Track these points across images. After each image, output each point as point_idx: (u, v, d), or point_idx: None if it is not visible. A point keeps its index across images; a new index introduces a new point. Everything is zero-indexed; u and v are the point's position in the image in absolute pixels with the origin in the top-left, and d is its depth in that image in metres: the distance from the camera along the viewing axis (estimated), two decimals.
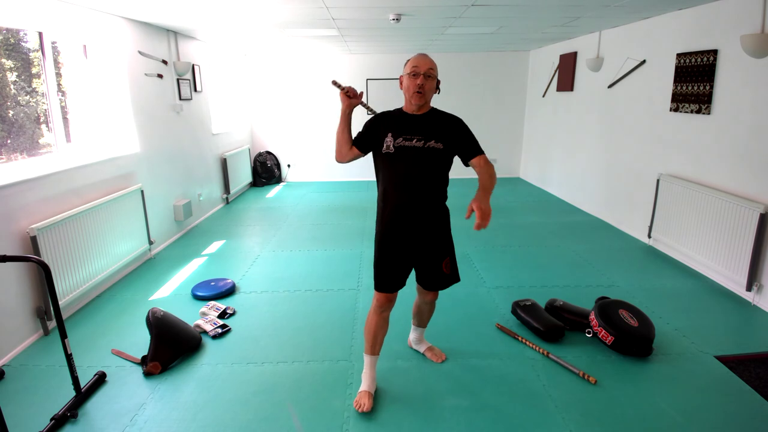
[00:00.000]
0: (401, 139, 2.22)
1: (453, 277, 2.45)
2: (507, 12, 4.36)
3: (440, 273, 2.39)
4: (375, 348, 2.42)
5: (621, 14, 4.47)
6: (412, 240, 2.31)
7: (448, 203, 2.39)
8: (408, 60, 2.24)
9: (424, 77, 2.17)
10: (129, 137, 4.36)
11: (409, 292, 2.69)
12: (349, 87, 2.30)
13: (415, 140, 2.21)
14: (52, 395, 2.49)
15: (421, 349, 2.84)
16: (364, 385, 2.43)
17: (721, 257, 3.69)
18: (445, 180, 2.31)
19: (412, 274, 2.45)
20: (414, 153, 2.20)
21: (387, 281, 2.33)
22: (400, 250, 2.32)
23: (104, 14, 4.00)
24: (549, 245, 4.80)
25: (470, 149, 2.24)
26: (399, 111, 2.32)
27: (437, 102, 2.44)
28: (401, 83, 2.26)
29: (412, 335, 2.87)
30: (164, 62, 4.99)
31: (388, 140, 2.24)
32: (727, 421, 2.27)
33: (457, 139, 2.24)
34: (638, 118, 4.88)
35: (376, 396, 2.45)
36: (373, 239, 2.59)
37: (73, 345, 2.87)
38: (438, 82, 2.25)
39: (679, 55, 4.18)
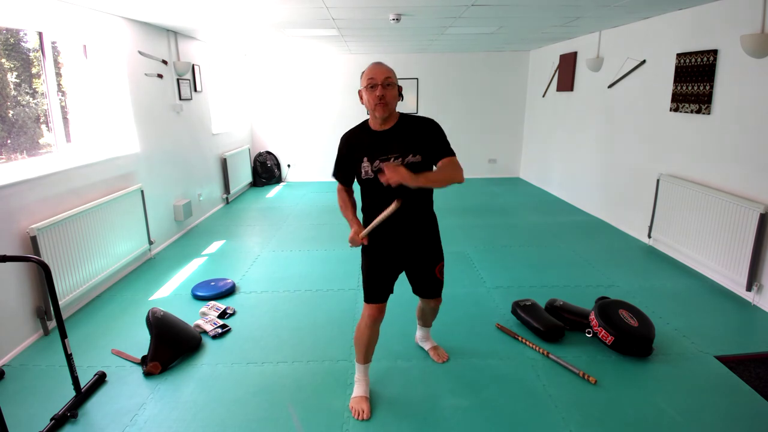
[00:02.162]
0: (378, 161, 2.08)
1: (442, 283, 2.44)
2: (507, 12, 4.36)
3: (434, 279, 2.38)
4: (368, 357, 2.40)
5: (621, 14, 4.47)
6: (402, 251, 2.28)
7: (434, 207, 2.35)
8: (363, 72, 2.10)
9: (382, 87, 2.03)
10: (129, 137, 4.36)
11: (410, 293, 2.69)
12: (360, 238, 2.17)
13: (392, 159, 2.06)
14: (52, 395, 2.49)
15: (426, 347, 2.85)
16: (360, 390, 2.41)
17: (721, 257, 3.68)
18: (431, 188, 2.23)
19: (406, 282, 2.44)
20: None
21: (378, 292, 2.28)
22: (390, 262, 2.29)
23: (104, 14, 4.00)
24: (549, 245, 4.79)
25: (438, 150, 2.10)
26: (366, 128, 2.17)
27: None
28: (361, 98, 2.12)
29: (418, 333, 2.89)
30: (164, 62, 4.99)
31: (365, 165, 2.11)
32: (727, 421, 2.27)
33: (430, 142, 2.11)
34: (638, 118, 4.88)
35: (374, 396, 2.45)
36: None
37: (73, 345, 2.86)
38: (400, 88, 2.14)
39: (679, 55, 4.18)
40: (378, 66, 2.08)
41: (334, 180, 2.32)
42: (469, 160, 8.23)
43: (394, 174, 1.91)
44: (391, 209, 2.01)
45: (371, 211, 2.20)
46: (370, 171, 2.11)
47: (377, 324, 2.33)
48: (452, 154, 2.13)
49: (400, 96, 2.16)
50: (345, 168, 2.24)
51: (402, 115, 2.17)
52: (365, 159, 2.12)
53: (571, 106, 6.49)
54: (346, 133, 2.24)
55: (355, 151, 2.16)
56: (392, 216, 2.05)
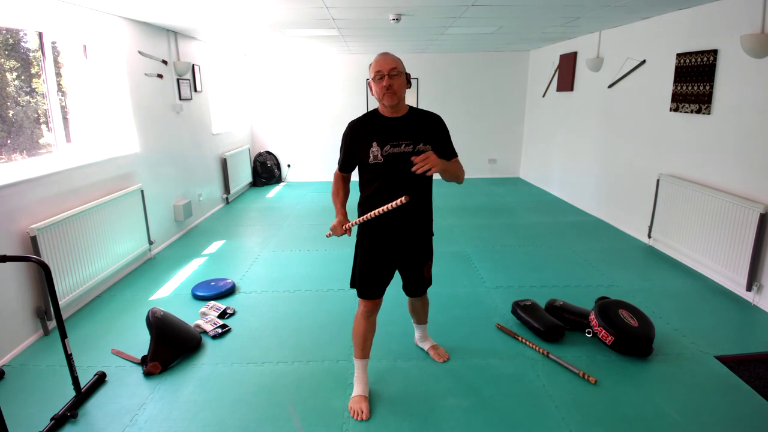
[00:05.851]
0: (389, 146, 2.11)
1: (429, 281, 2.48)
2: (507, 12, 4.36)
3: (421, 278, 2.41)
4: (366, 351, 2.41)
5: (621, 14, 4.47)
6: (398, 247, 2.29)
7: (434, 207, 2.37)
8: (371, 64, 2.14)
9: (389, 77, 2.07)
10: (129, 137, 4.36)
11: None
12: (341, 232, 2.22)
13: (403, 145, 2.11)
14: (52, 395, 2.49)
15: (425, 347, 2.85)
16: (359, 389, 2.40)
17: (721, 257, 3.68)
18: (431, 182, 2.28)
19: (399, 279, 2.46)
20: (405, 159, 2.10)
21: (373, 288, 2.30)
22: (386, 258, 2.29)
23: (104, 14, 4.00)
24: (549, 245, 4.80)
25: (447, 151, 2.22)
26: (376, 115, 2.21)
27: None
28: (371, 88, 2.18)
29: (417, 334, 2.89)
30: (164, 62, 4.99)
31: (374, 150, 2.12)
32: (727, 421, 2.27)
33: (438, 138, 2.19)
34: (638, 118, 4.88)
35: (374, 396, 2.45)
36: None
37: (73, 345, 2.86)
38: (408, 76, 2.18)
39: (679, 55, 4.18)
40: (384, 57, 2.12)
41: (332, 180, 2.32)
42: (469, 160, 8.19)
43: (433, 161, 1.98)
44: (398, 202, 1.96)
45: (371, 202, 2.19)
46: (380, 155, 2.13)
47: (373, 315, 2.36)
48: (456, 155, 2.27)
49: (409, 83, 2.20)
50: (348, 152, 2.24)
51: (411, 107, 2.24)
52: (374, 143, 2.14)
53: (571, 106, 6.49)
54: (355, 119, 2.25)
55: (364, 135, 2.17)
56: (393, 211, 2.04)
